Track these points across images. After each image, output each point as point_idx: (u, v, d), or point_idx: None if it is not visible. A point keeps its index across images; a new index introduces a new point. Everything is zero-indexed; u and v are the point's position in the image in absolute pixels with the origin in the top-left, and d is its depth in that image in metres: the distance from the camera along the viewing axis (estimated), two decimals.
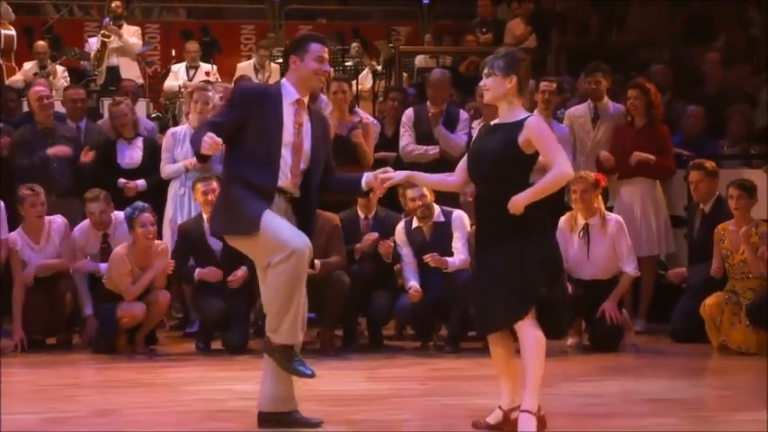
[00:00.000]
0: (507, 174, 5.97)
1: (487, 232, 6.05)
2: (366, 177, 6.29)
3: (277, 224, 5.98)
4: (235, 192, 6.07)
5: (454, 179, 6.35)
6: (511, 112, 6.04)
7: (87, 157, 10.07)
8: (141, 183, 10.16)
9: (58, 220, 9.46)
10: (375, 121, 10.80)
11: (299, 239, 5.98)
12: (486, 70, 6.09)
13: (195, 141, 6.00)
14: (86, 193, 9.52)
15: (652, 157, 9.97)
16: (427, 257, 8.98)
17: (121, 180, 10.13)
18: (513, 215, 5.87)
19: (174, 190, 9.93)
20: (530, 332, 5.90)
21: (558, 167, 5.94)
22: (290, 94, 6.15)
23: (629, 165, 10.02)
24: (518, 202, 5.87)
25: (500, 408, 6.16)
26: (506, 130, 6.01)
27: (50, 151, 10.05)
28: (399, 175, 6.33)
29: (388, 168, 6.43)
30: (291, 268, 5.94)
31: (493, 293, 5.96)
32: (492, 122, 6.18)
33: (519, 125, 5.96)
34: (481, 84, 6.16)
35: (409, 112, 10.62)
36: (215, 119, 6.33)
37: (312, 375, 6.12)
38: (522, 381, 6.05)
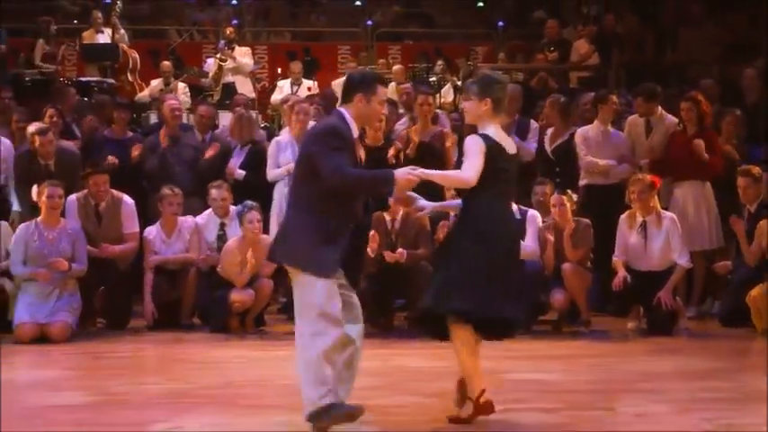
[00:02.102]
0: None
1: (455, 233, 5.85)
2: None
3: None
4: (320, 230, 5.49)
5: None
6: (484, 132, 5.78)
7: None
8: (240, 173, 10.26)
9: (190, 219, 9.60)
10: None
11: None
12: (464, 94, 5.89)
13: (377, 182, 5.60)
14: (212, 182, 9.71)
15: (705, 155, 9.88)
16: None
17: (229, 166, 10.27)
18: (472, 218, 5.70)
19: (279, 191, 9.96)
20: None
21: (464, 171, 5.64)
22: (353, 130, 5.65)
23: (683, 166, 9.94)
24: (411, 175, 5.51)
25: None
26: None
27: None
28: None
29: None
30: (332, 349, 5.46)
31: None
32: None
33: None
34: (461, 106, 6.00)
35: None
36: (342, 159, 5.52)
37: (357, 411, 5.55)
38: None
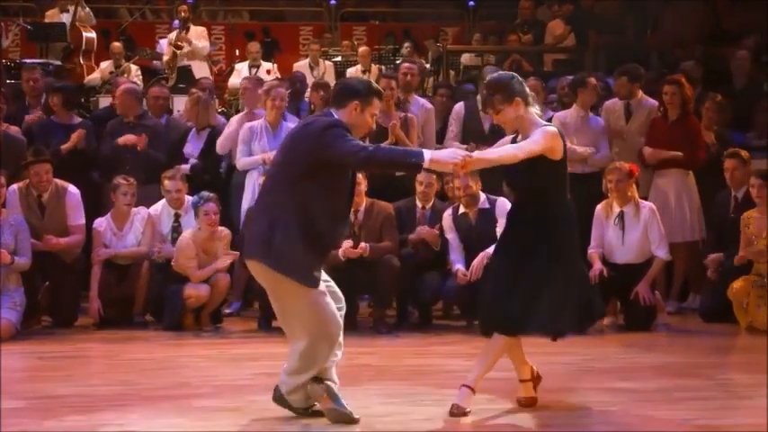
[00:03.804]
0: (540, 183, 5.90)
1: (523, 239, 5.93)
2: None
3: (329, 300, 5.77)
4: (302, 231, 5.61)
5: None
6: (530, 128, 5.87)
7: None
8: (186, 167, 10.25)
9: (143, 210, 9.55)
10: (431, 107, 10.70)
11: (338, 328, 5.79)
12: (488, 109, 5.95)
13: (408, 156, 5.65)
14: (165, 172, 9.67)
15: (679, 153, 9.95)
16: (470, 269, 8.93)
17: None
18: (550, 225, 5.86)
19: (252, 180, 9.90)
20: None
21: (523, 148, 5.76)
22: None
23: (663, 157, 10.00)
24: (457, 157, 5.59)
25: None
26: None
27: (121, 140, 10.16)
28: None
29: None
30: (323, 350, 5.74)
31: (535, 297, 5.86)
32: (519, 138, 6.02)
33: None
34: (495, 121, 6.02)
35: (459, 106, 10.59)
36: (357, 141, 5.65)
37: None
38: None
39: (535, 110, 5.98)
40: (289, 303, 5.74)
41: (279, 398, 5.92)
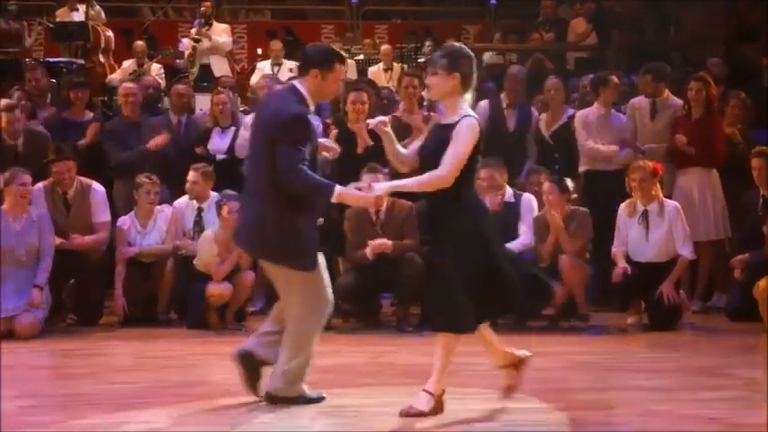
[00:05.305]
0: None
1: (434, 233, 5.81)
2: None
3: (325, 275, 5.98)
4: (297, 220, 5.80)
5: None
6: (454, 110, 5.73)
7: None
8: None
9: (167, 208, 9.57)
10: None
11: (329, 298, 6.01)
12: (429, 68, 5.85)
13: (320, 191, 5.76)
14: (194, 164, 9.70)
15: (692, 149, 9.91)
16: None
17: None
18: (450, 215, 5.67)
19: None
20: None
21: (441, 169, 5.59)
22: (309, 105, 5.91)
23: (684, 153, 9.97)
24: (379, 191, 5.73)
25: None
26: (444, 131, 5.72)
27: (152, 144, 10.16)
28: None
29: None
30: (317, 322, 5.98)
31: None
32: (440, 121, 5.91)
33: (452, 128, 5.67)
34: (426, 81, 5.94)
35: (483, 104, 10.56)
36: (301, 155, 5.74)
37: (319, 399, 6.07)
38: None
39: (468, 98, 5.81)
40: (282, 286, 6.00)
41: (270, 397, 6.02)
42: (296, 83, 5.94)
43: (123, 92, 10.62)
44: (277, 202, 5.77)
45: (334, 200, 5.73)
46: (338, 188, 5.72)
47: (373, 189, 5.76)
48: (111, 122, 10.59)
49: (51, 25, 14.71)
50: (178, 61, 14.65)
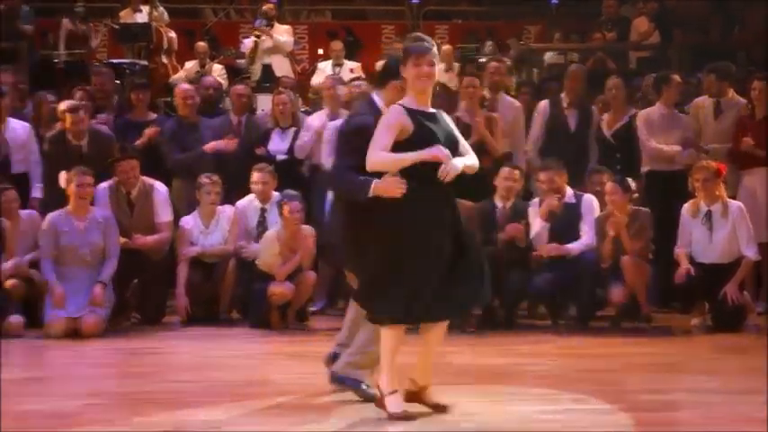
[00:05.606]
0: None
1: None
2: None
3: None
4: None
5: None
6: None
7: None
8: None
9: (229, 208, 9.63)
10: (519, 105, 10.56)
11: None
12: (427, 58, 5.63)
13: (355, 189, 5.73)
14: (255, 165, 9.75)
15: (762, 152, 9.78)
16: (548, 249, 8.95)
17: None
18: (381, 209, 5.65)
19: None
20: None
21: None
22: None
23: (748, 154, 9.85)
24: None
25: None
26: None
27: (209, 147, 10.22)
28: None
29: None
30: None
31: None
32: (430, 110, 5.72)
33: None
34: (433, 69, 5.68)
35: (543, 104, 10.51)
36: (349, 162, 5.82)
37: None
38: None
39: None
40: None
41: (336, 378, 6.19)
42: (373, 94, 5.96)
43: (179, 93, 10.69)
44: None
45: (371, 194, 5.61)
46: (375, 182, 5.61)
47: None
48: (169, 123, 10.65)
49: (116, 26, 14.86)
50: (239, 61, 14.74)
